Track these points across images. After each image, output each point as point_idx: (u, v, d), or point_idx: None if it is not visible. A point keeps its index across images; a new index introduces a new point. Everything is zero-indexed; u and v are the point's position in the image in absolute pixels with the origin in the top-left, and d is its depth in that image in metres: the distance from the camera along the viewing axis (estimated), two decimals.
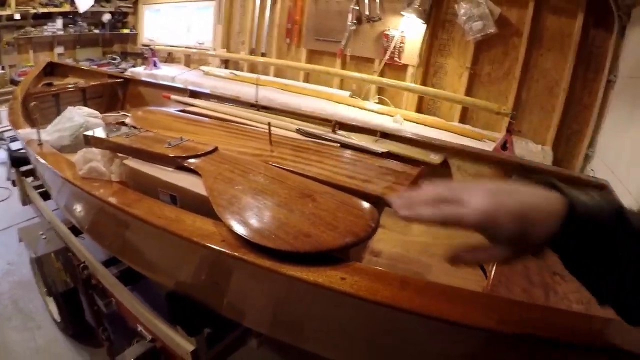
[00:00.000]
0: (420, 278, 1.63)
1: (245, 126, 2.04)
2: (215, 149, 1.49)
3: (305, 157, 1.58)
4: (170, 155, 1.42)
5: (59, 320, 2.35)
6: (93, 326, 2.19)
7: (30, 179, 3.00)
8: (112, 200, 1.34)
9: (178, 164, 1.40)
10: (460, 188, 0.61)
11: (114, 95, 3.85)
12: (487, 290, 1.16)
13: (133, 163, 1.46)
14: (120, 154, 1.56)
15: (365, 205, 1.19)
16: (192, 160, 1.39)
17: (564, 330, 0.77)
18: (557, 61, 3.68)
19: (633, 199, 2.08)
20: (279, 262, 0.93)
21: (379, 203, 1.30)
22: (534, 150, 3.59)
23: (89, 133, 1.64)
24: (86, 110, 2.38)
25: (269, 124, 1.71)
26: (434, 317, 0.80)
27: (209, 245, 1.02)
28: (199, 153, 1.44)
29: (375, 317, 0.90)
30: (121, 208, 1.26)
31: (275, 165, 1.43)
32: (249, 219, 1.08)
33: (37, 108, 2.05)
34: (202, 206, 1.21)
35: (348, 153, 1.72)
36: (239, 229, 1.02)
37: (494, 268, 1.27)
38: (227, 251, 0.99)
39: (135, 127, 1.71)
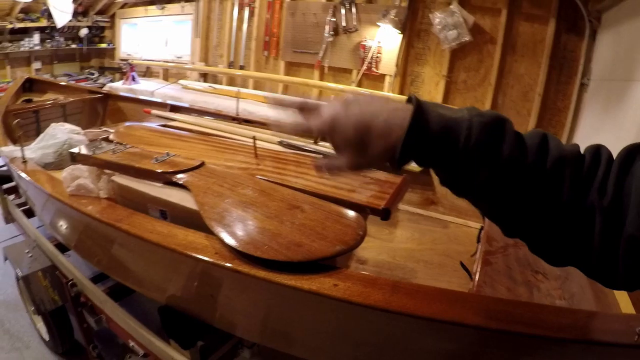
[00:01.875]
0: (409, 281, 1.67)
1: (229, 140, 2.06)
2: (202, 164, 1.51)
3: (291, 169, 1.61)
4: (158, 171, 1.44)
5: (47, 339, 2.34)
6: (82, 344, 2.19)
7: (12, 197, 2.98)
8: (103, 216, 1.35)
9: (166, 180, 1.42)
10: (323, 103, 0.66)
11: (94, 110, 3.84)
12: (473, 291, 1.20)
13: (121, 179, 1.48)
14: (107, 171, 1.58)
15: (352, 214, 1.22)
16: (180, 176, 1.42)
17: (550, 324, 0.81)
18: (531, 66, 3.80)
19: None
20: (272, 272, 0.97)
21: (364, 212, 1.35)
22: None
23: (75, 150, 1.65)
24: (68, 126, 2.38)
25: (254, 137, 1.74)
26: (425, 317, 0.83)
27: (202, 258, 1.05)
28: (187, 168, 1.46)
29: (368, 320, 0.93)
30: (113, 224, 1.28)
31: (262, 179, 1.46)
32: (241, 231, 1.11)
33: (19, 125, 2.05)
34: (191, 220, 1.24)
35: None
36: (232, 242, 1.05)
37: (479, 270, 1.31)
38: (221, 263, 1.02)
39: (121, 144, 1.72)
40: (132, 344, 1.71)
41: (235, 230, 1.10)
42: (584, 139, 3.31)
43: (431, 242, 2.07)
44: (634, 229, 0.49)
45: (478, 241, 1.83)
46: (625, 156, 0.54)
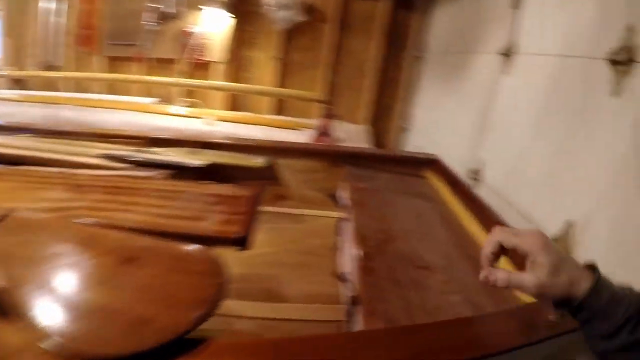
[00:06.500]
0: (286, 335, 1.48)
1: (44, 168, 1.67)
2: (5, 216, 1.16)
3: (121, 200, 1.35)
4: None
5: None
6: None
7: None
8: None
9: None
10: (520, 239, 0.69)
11: None
12: (364, 314, 1.10)
13: None
14: None
15: (204, 254, 1.02)
16: None
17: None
18: (366, 43, 3.93)
19: (457, 167, 2.26)
20: None
21: (216, 243, 1.17)
22: (352, 131, 3.73)
23: None
24: None
25: (72, 164, 1.44)
26: None
27: None
28: None
29: None
30: None
31: (82, 222, 1.17)
32: (65, 318, 0.82)
33: None
34: None
35: (168, 184, 1.53)
36: (51, 342, 0.76)
37: (362, 284, 1.23)
38: None
39: None
40: None
41: (58, 320, 0.82)
42: (425, 111, 3.55)
43: (289, 242, 1.93)
44: None
45: (338, 234, 1.77)
46: None
